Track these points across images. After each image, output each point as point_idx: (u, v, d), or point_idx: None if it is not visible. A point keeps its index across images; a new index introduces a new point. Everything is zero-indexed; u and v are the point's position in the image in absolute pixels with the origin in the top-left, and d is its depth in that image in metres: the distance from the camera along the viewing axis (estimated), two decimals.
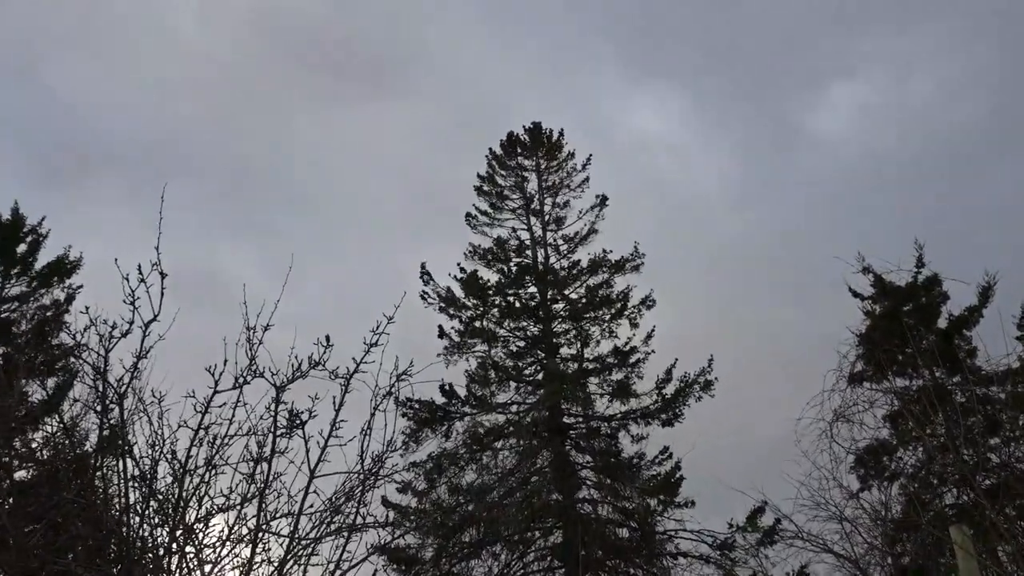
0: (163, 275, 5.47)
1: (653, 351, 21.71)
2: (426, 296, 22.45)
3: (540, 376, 21.77)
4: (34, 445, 8.42)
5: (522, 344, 22.25)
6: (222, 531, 5.55)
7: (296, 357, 5.81)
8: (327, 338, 5.82)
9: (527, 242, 23.66)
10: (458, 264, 23.06)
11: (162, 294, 5.49)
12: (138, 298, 5.47)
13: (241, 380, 5.65)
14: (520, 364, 22.02)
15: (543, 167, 24.89)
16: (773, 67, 50.52)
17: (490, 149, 24.99)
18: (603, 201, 23.86)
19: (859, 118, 48.38)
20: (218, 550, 5.50)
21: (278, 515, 5.63)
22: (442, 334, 21.89)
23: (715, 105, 49.81)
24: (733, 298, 35.95)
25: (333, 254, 39.38)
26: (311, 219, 44.11)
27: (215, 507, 5.55)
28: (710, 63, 52.69)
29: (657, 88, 51.46)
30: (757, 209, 43.90)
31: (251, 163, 45.58)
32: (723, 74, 51.90)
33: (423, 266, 22.80)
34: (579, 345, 21.89)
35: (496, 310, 22.30)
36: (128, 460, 5.42)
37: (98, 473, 5.78)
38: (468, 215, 24.22)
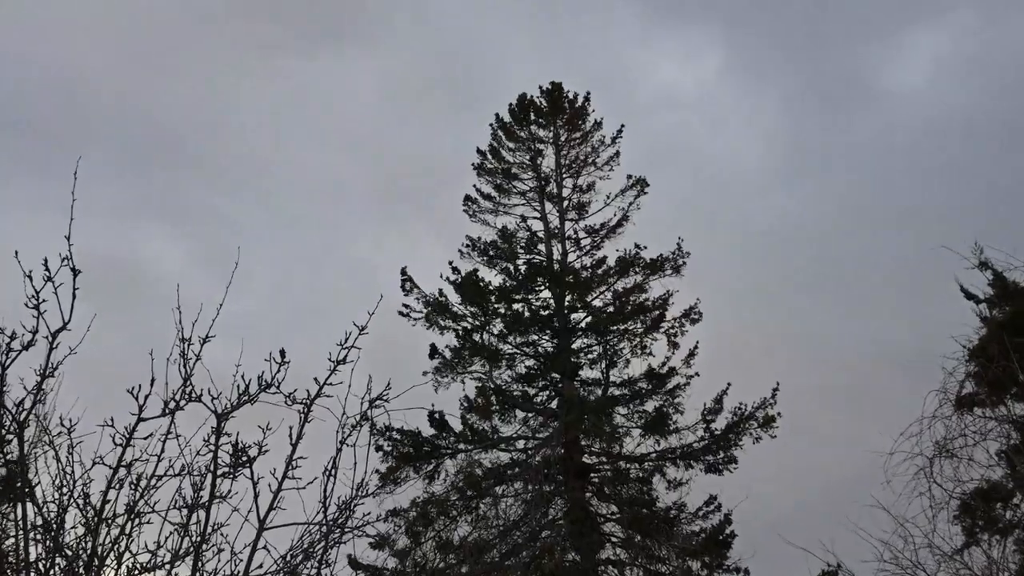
0: (75, 272, 5.46)
1: (697, 374, 21.74)
2: (408, 311, 22.41)
3: (554, 404, 21.78)
4: None
5: (532, 363, 22.27)
6: None
7: (243, 377, 5.80)
8: (282, 353, 5.80)
9: (540, 234, 23.70)
10: (450, 263, 23.10)
11: (74, 296, 5.47)
12: (44, 300, 5.47)
13: (173, 405, 5.64)
14: (529, 388, 22.04)
15: (563, 139, 24.88)
16: (828, 7, 50.28)
17: (496, 115, 24.94)
18: (639, 184, 23.86)
19: (941, 67, 47.89)
20: None
21: None
22: (433, 353, 21.92)
23: (756, 56, 49.53)
24: (787, 296, 35.67)
25: (282, 245, 39.34)
26: (252, 199, 44.12)
27: (139, 565, 5.54)
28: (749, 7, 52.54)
29: (687, 35, 51.33)
30: (811, 183, 43.66)
31: (174, 129, 45.54)
32: (765, 19, 51.69)
33: (403, 272, 22.71)
34: (604, 365, 21.89)
35: (500, 320, 22.31)
36: (29, 505, 5.42)
37: None
38: (467, 198, 24.26)
